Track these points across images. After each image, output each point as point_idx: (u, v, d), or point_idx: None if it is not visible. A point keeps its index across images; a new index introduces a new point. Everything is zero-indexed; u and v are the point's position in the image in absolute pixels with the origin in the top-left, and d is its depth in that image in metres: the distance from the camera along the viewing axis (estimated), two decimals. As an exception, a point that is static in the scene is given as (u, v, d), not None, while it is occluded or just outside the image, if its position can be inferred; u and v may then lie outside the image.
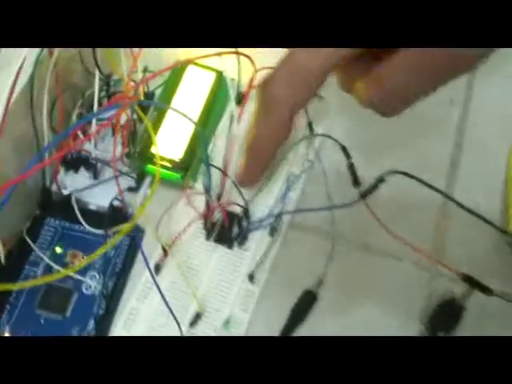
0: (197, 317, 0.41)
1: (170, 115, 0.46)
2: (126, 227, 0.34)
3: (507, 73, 0.53)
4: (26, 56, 0.37)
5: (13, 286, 0.39)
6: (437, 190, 0.35)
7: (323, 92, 0.50)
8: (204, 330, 0.41)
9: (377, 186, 0.36)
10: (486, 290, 0.35)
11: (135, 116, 0.44)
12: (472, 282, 0.36)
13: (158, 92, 0.49)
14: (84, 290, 0.42)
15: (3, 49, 0.38)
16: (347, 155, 0.40)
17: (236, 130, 0.42)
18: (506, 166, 0.47)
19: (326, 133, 0.49)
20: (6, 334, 0.40)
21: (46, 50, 0.39)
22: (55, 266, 0.41)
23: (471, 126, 0.51)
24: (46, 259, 0.41)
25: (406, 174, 0.34)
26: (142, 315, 0.41)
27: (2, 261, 0.40)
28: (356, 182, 0.38)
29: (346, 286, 0.44)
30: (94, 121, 0.44)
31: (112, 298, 0.42)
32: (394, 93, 0.29)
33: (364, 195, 0.36)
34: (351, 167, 0.39)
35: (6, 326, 0.40)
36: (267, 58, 0.47)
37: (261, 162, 0.32)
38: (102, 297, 0.41)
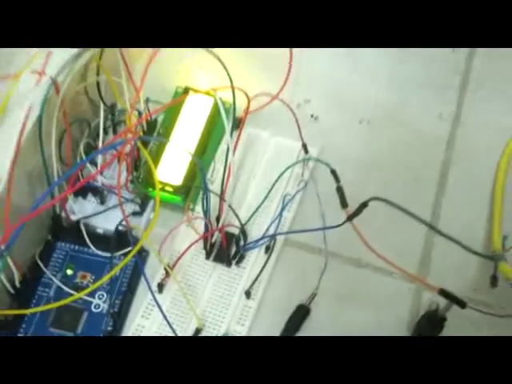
0: (197, 331, 0.44)
1: (171, 143, 0.49)
2: (132, 251, 0.38)
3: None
4: (35, 96, 0.42)
5: (26, 311, 0.42)
6: (420, 220, 0.36)
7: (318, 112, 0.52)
8: (204, 343, 0.44)
9: (361, 211, 0.38)
10: (460, 303, 0.37)
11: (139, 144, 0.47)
12: (448, 296, 0.38)
13: (160, 118, 0.52)
14: (93, 309, 0.45)
15: (14, 92, 0.41)
16: (336, 178, 0.42)
17: (231, 157, 0.45)
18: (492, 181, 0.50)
19: (320, 154, 0.52)
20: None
21: (52, 88, 0.42)
22: (66, 289, 0.45)
23: (460, 140, 0.54)
24: (57, 282, 0.45)
25: (386, 201, 0.36)
26: (146, 331, 0.44)
27: (17, 284, 0.43)
28: (344, 204, 0.40)
29: (338, 299, 0.47)
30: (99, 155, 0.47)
31: (119, 315, 0.45)
32: None
33: (351, 218, 0.39)
34: (340, 190, 0.41)
35: (22, 344, 0.43)
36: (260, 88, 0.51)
37: None
38: (109, 315, 0.44)
